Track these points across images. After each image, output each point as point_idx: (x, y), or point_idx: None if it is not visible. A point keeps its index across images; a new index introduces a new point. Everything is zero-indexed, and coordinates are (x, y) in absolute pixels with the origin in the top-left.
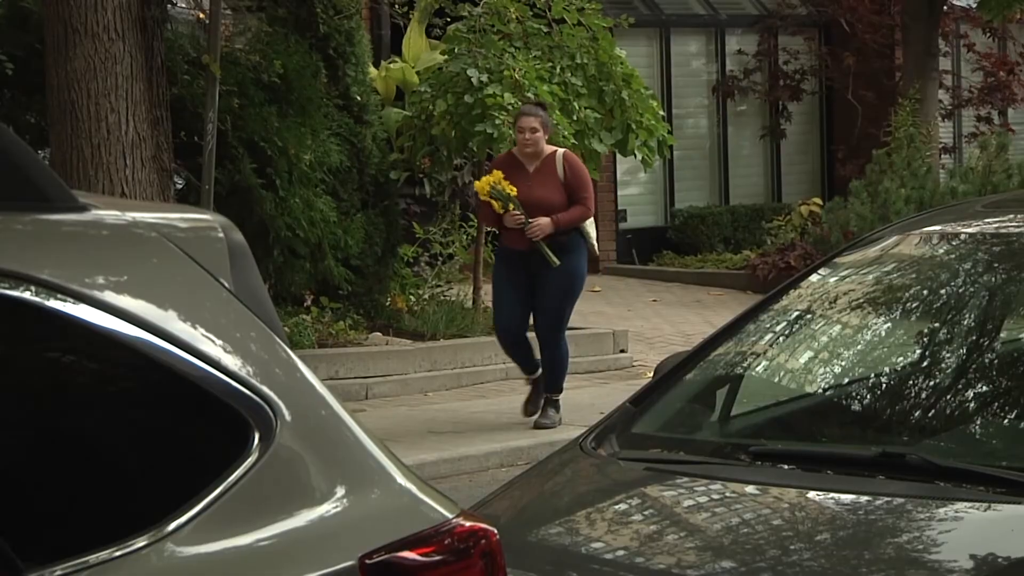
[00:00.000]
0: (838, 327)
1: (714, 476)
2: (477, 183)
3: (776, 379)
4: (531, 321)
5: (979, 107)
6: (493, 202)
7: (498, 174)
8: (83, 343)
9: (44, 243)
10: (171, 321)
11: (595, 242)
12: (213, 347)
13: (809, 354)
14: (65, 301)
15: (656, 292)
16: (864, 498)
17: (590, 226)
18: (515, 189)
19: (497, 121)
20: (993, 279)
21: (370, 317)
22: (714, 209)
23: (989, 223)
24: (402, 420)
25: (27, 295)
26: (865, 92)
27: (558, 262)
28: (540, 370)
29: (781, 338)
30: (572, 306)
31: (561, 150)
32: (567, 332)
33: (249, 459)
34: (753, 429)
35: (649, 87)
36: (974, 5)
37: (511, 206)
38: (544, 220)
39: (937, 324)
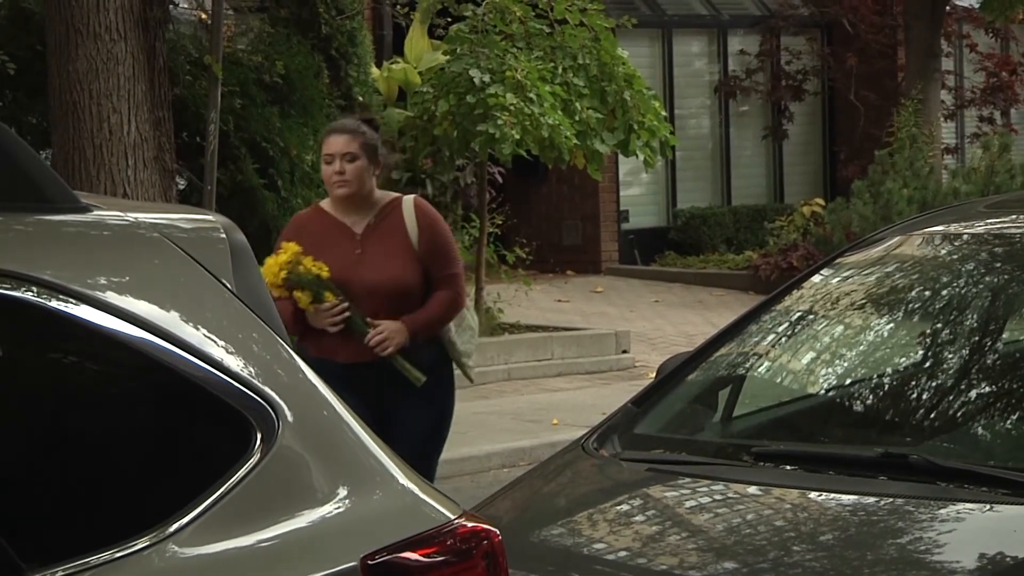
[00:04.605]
0: (840, 328)
1: (716, 477)
2: (265, 267)
3: (778, 380)
4: None
5: (981, 107)
6: (297, 295)
7: (291, 247)
8: (85, 344)
9: (46, 244)
10: (173, 322)
11: (468, 356)
12: (215, 348)
13: (811, 355)
14: (67, 302)
15: (658, 292)
16: (866, 499)
17: (460, 328)
18: (324, 267)
19: (499, 122)
20: (995, 280)
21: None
22: (716, 209)
23: (991, 224)
24: None
25: (29, 296)
26: (867, 92)
27: (423, 377)
28: None
29: (783, 339)
30: (440, 451)
31: (409, 197)
32: None
33: (251, 460)
34: (755, 430)
35: (651, 87)
36: (977, 5)
37: (327, 295)
38: (392, 326)
39: (939, 325)
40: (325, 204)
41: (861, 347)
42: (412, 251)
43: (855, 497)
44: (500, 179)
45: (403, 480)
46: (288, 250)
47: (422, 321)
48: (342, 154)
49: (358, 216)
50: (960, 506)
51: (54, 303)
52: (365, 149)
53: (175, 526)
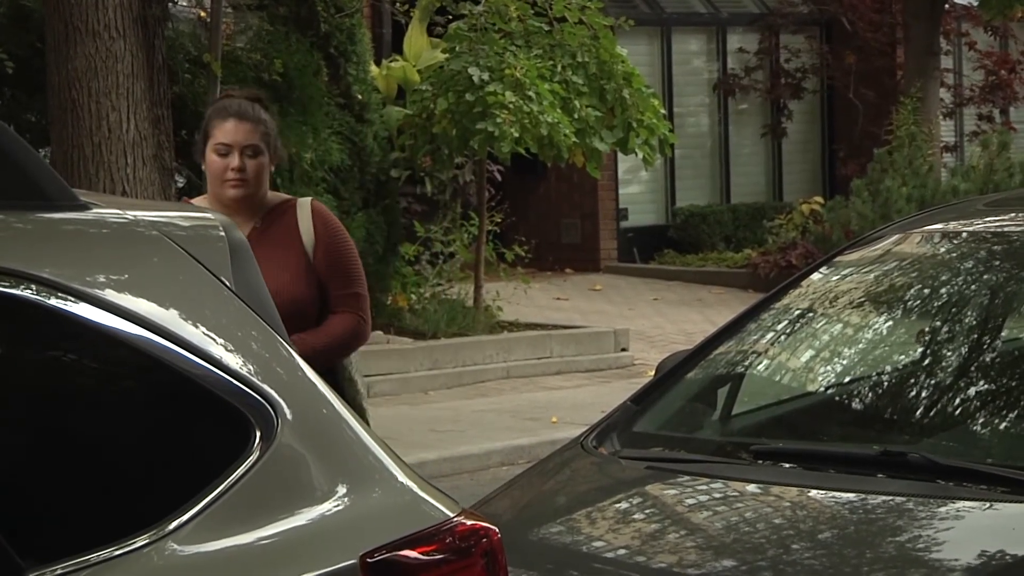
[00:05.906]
0: (839, 326)
1: (715, 475)
2: None
3: (777, 378)
4: None
5: (980, 106)
6: None
7: None
8: (84, 342)
9: (45, 242)
10: (172, 320)
11: (365, 398)
12: (214, 346)
13: (810, 353)
14: (66, 300)
15: (657, 291)
16: (865, 497)
17: (358, 365)
18: None
19: (498, 120)
20: (994, 278)
21: (371, 315)
22: (715, 207)
23: (990, 222)
24: (403, 419)
25: (28, 294)
26: (866, 90)
27: None
28: None
29: (782, 337)
30: None
31: (305, 200)
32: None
33: (250, 458)
34: (754, 428)
35: (650, 85)
36: (975, 3)
37: None
38: None
39: (938, 323)
40: (200, 201)
41: (860, 345)
42: (306, 262)
43: (854, 495)
44: (499, 177)
45: (402, 478)
46: None
47: (318, 345)
48: (243, 146)
49: (243, 219)
50: (959, 504)
51: (53, 301)
52: (267, 142)
53: (174, 524)
